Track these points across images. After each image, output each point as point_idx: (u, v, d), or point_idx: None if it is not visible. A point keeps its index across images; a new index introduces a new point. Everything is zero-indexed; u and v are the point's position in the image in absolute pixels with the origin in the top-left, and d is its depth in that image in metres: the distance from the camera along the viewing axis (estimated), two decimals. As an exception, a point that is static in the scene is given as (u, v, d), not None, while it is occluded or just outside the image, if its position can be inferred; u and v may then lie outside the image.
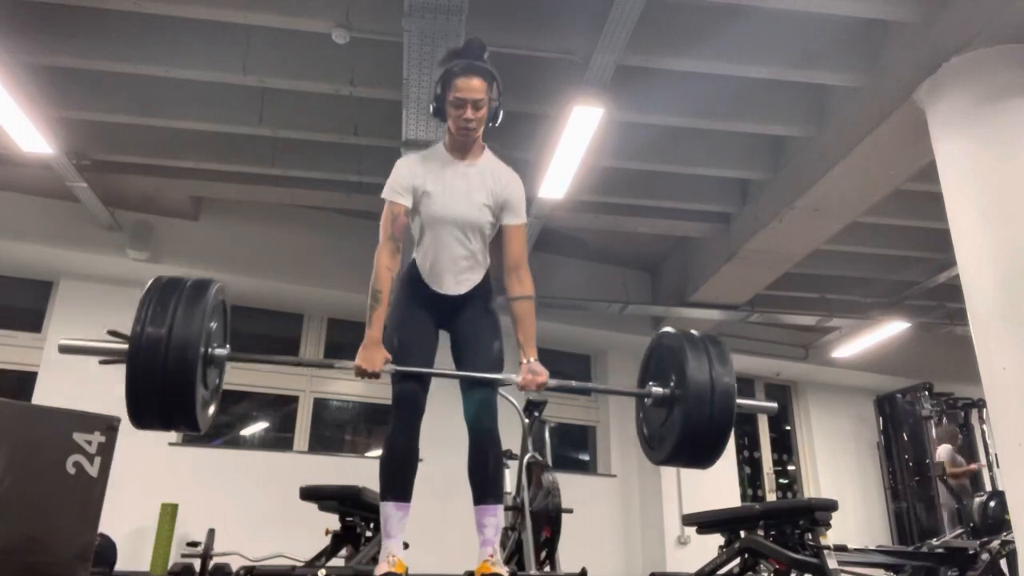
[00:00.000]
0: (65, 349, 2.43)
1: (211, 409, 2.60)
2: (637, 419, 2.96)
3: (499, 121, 2.70)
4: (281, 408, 7.74)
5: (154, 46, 4.78)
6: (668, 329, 2.88)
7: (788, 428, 10.03)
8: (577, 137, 4.95)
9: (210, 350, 2.47)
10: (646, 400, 2.81)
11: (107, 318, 7.57)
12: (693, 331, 2.80)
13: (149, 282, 2.49)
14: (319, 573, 3.16)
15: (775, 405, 3.12)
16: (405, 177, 2.71)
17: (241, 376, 7.34)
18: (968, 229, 3.97)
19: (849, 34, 4.69)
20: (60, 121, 5.36)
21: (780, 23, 4.55)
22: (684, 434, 2.58)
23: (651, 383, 2.78)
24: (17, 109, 4.80)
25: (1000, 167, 3.85)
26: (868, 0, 4.27)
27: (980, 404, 8.40)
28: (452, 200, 2.68)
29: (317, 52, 4.80)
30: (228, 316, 2.74)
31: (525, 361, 2.62)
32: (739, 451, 9.40)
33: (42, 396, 6.25)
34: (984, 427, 8.52)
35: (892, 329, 8.26)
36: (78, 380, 6.20)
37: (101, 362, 2.44)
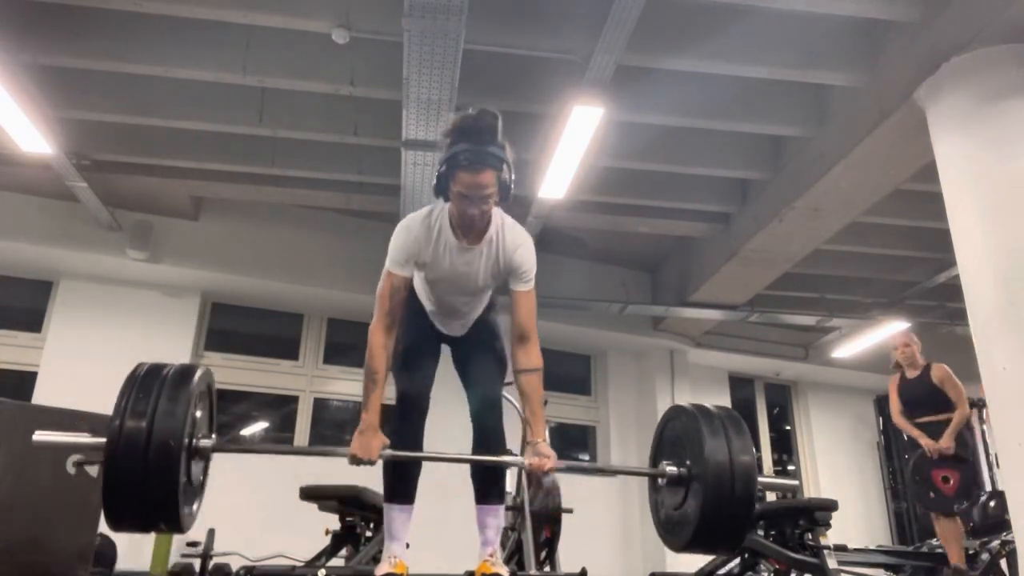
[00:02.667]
0: (40, 444, 2.26)
1: (195, 505, 2.41)
2: (651, 500, 2.74)
3: (510, 199, 2.48)
4: (281, 408, 7.74)
5: (154, 46, 4.78)
6: (681, 404, 2.68)
7: (788, 428, 10.03)
8: (577, 137, 4.95)
9: (195, 442, 2.29)
10: (659, 480, 2.61)
11: (107, 318, 7.58)
12: (708, 405, 2.61)
13: (130, 370, 2.30)
14: (319, 573, 3.16)
15: (796, 483, 3.01)
16: (408, 249, 2.51)
17: (241, 376, 7.34)
18: (968, 229, 3.97)
19: (849, 34, 4.69)
20: (60, 121, 5.35)
21: (780, 23, 4.55)
22: (703, 518, 2.37)
23: (664, 462, 2.57)
24: (17, 109, 4.79)
25: (1000, 167, 3.86)
26: (868, 0, 4.27)
27: (980, 404, 8.39)
28: (455, 283, 2.60)
29: (317, 52, 4.80)
30: (215, 402, 2.54)
31: (532, 443, 2.46)
32: (739, 451, 9.38)
33: (42, 396, 6.24)
34: (984, 427, 8.51)
35: (892, 329, 8.23)
36: (78, 380, 6.22)
37: (75, 464, 2.33)
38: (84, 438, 2.21)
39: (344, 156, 5.99)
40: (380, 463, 2.48)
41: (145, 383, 2.22)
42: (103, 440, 2.12)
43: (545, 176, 5.51)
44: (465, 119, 2.40)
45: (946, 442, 4.88)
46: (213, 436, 2.45)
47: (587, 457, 8.93)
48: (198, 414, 2.33)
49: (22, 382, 6.51)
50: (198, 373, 2.32)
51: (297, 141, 5.87)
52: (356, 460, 2.38)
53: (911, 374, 5.27)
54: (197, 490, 2.42)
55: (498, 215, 2.57)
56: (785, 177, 5.85)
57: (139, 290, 6.93)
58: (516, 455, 2.69)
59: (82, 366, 6.43)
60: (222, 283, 7.14)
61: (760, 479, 2.48)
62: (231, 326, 7.49)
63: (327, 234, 7.29)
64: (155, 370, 2.27)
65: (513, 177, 2.45)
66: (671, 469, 2.52)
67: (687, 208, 6.75)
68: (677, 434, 2.60)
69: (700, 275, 7.42)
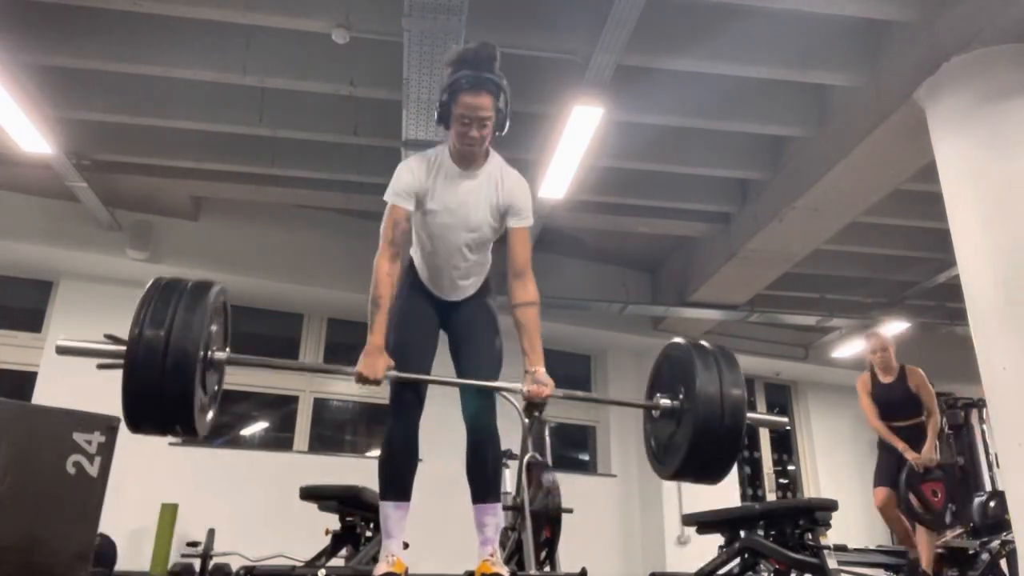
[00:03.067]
0: (63, 350, 2.39)
1: (210, 414, 2.54)
2: (645, 431, 2.87)
3: (506, 130, 2.62)
4: (281, 408, 7.74)
5: (154, 46, 4.78)
6: (677, 340, 2.79)
7: (788, 428, 10.03)
8: (577, 137, 4.95)
9: (210, 353, 2.41)
10: (653, 412, 2.73)
11: (107, 318, 7.58)
12: (703, 342, 2.72)
13: (149, 283, 2.43)
14: (319, 573, 3.15)
15: (785, 420, 3.08)
16: (408, 182, 2.63)
17: (241, 376, 7.33)
18: (968, 229, 3.97)
19: (849, 34, 4.69)
20: (60, 121, 5.36)
21: (780, 23, 4.56)
22: (693, 448, 2.49)
23: (659, 395, 2.70)
24: (17, 109, 4.80)
25: (1000, 167, 3.86)
26: (868, 0, 4.27)
27: (980, 404, 8.39)
28: (455, 213, 2.63)
29: (317, 52, 4.80)
30: (229, 319, 2.68)
31: (531, 371, 2.53)
32: (739, 451, 9.39)
33: (42, 396, 6.25)
34: (984, 427, 8.51)
35: (892, 329, 8.25)
36: (78, 380, 6.22)
37: (99, 366, 2.41)
38: (104, 346, 2.36)
39: (344, 156, 5.99)
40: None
41: (164, 296, 2.34)
42: (124, 348, 2.26)
43: (545, 176, 5.51)
44: (466, 51, 2.55)
45: (930, 453, 4.81)
46: (227, 350, 2.58)
47: (587, 457, 8.93)
48: (213, 328, 2.45)
49: (22, 382, 6.52)
50: (215, 289, 2.46)
51: (297, 141, 5.88)
52: (362, 378, 2.43)
53: (886, 378, 5.16)
54: (212, 399, 2.54)
55: (495, 155, 2.69)
56: (785, 177, 5.85)
57: (139, 290, 6.76)
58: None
59: (82, 366, 6.41)
60: (222, 283, 7.13)
61: (750, 415, 2.55)
62: (231, 326, 7.49)
63: (327, 234, 7.29)
64: (173, 284, 2.40)
65: (509, 107, 2.58)
66: (665, 402, 2.65)
67: (687, 208, 6.75)
68: (672, 368, 2.71)
69: (700, 275, 7.42)
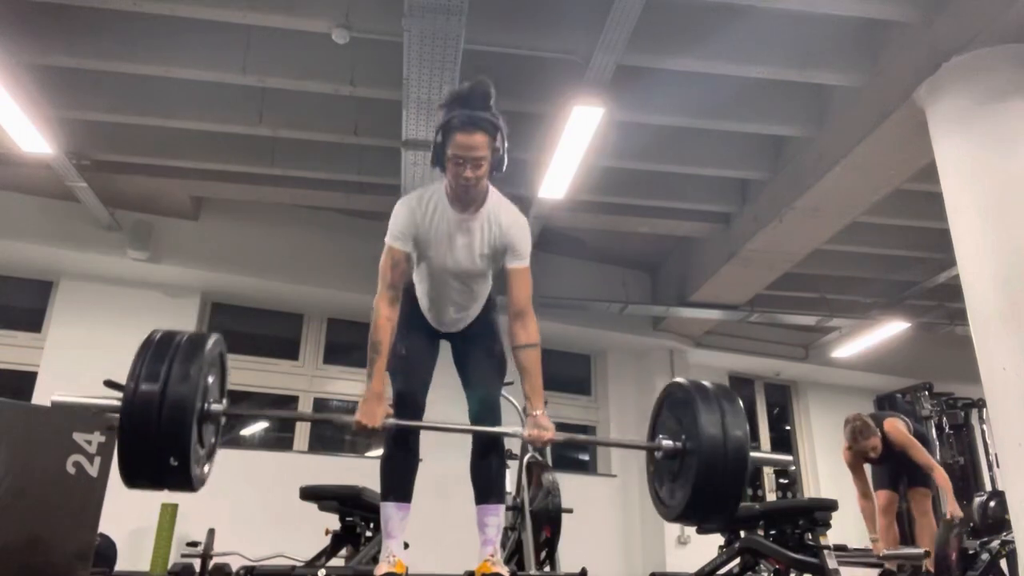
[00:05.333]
0: (57, 405, 2.37)
1: (206, 467, 2.52)
2: (647, 473, 2.83)
3: (504, 170, 2.54)
4: (281, 408, 7.74)
5: (154, 46, 4.78)
6: (679, 380, 2.76)
7: (788, 428, 10.03)
8: (577, 137, 4.95)
9: (207, 406, 2.39)
10: (656, 454, 2.68)
11: (107, 318, 7.57)
12: (705, 382, 2.69)
13: (145, 336, 2.41)
14: (319, 573, 3.16)
15: (790, 459, 3.05)
16: (406, 223, 2.57)
17: (241, 376, 7.33)
18: (968, 229, 3.97)
19: (849, 34, 4.69)
20: (60, 121, 5.35)
21: (780, 23, 4.56)
22: (697, 490, 2.45)
23: (661, 436, 2.66)
24: (17, 109, 4.79)
25: (1000, 167, 3.85)
26: (868, 0, 4.27)
27: (980, 404, 8.39)
28: (452, 256, 2.60)
29: (317, 52, 4.80)
30: (227, 369, 2.65)
31: (532, 415, 2.51)
32: (739, 451, 9.39)
33: (42, 396, 6.24)
34: (984, 427, 8.51)
35: (892, 329, 8.26)
36: (78, 380, 6.21)
37: (94, 413, 2.39)
38: (100, 400, 2.34)
39: (344, 156, 5.99)
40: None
41: (159, 349, 2.32)
42: (118, 402, 2.24)
43: (545, 176, 5.51)
44: (460, 89, 2.52)
45: (957, 511, 4.75)
46: (224, 401, 2.54)
47: (587, 457, 8.93)
48: (210, 380, 2.43)
49: (22, 382, 6.51)
50: (211, 341, 2.44)
51: (297, 141, 5.87)
52: (361, 427, 2.42)
53: (875, 455, 5.05)
54: (208, 453, 2.51)
55: (494, 193, 2.62)
56: (785, 177, 5.85)
57: (139, 290, 6.93)
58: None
59: (82, 366, 6.42)
60: (222, 283, 7.14)
61: (753, 454, 2.52)
62: (231, 326, 7.48)
63: (327, 234, 7.29)
64: (169, 336, 2.39)
65: (507, 146, 2.51)
66: (667, 443, 2.60)
67: (687, 208, 6.75)
68: (674, 409, 2.68)
69: (700, 275, 7.42)
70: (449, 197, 2.57)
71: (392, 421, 2.47)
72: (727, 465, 2.43)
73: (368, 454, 7.62)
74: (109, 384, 2.36)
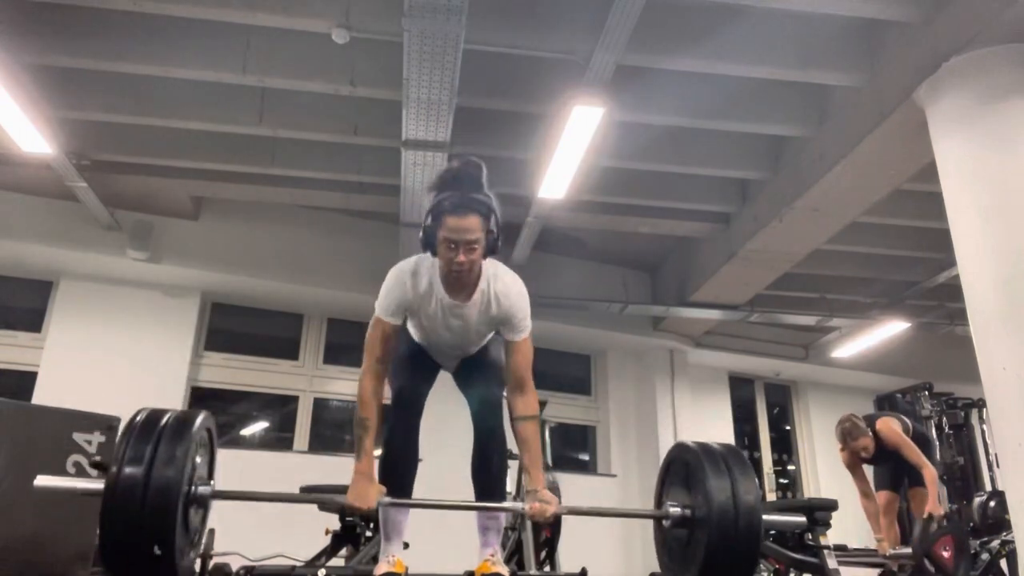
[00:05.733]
0: (41, 488, 2.26)
1: (193, 553, 2.39)
2: (655, 540, 2.72)
3: (497, 252, 2.47)
4: (281, 408, 7.74)
5: (154, 46, 4.78)
6: (685, 442, 2.64)
7: (788, 428, 10.03)
8: (577, 137, 4.95)
9: (194, 489, 2.27)
10: (664, 522, 2.58)
11: (107, 318, 7.57)
12: (712, 444, 2.59)
13: (131, 415, 2.29)
14: (319, 573, 3.15)
15: (804, 520, 2.95)
16: (399, 298, 2.49)
17: (241, 376, 7.34)
18: (968, 229, 3.97)
19: (849, 34, 4.69)
20: (60, 121, 5.35)
21: (780, 23, 4.56)
22: (709, 558, 2.34)
23: (668, 503, 2.55)
24: (17, 109, 4.79)
25: (1000, 167, 3.86)
26: (868, 0, 4.27)
27: (980, 404, 8.38)
28: (447, 334, 2.58)
29: (317, 52, 4.80)
30: (216, 447, 2.53)
31: (532, 490, 2.45)
32: (739, 451, 9.40)
33: (42, 396, 6.24)
34: (984, 427, 8.50)
35: (892, 329, 8.26)
36: (78, 380, 6.21)
37: (82, 494, 2.26)
38: (83, 483, 2.27)
39: (344, 156, 5.99)
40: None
41: (145, 429, 2.20)
42: (101, 485, 2.12)
43: (545, 176, 5.51)
44: (448, 171, 2.45)
45: (937, 508, 4.69)
46: (212, 483, 2.42)
47: (587, 457, 8.93)
48: (198, 460, 2.31)
49: (22, 382, 6.51)
50: (198, 420, 2.31)
51: (297, 141, 5.88)
52: (353, 509, 2.36)
53: (867, 455, 5.02)
54: (195, 538, 2.40)
55: (490, 265, 2.53)
56: (785, 177, 5.85)
57: (139, 290, 6.93)
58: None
59: (82, 366, 6.43)
60: (222, 283, 7.14)
61: (765, 517, 2.42)
62: (231, 326, 7.49)
63: (327, 234, 7.28)
64: (155, 416, 2.26)
65: (500, 225, 2.43)
66: (675, 510, 2.50)
67: (687, 208, 6.75)
68: (681, 473, 2.58)
69: (700, 275, 7.42)
70: (442, 279, 2.48)
71: (387, 499, 2.41)
72: (739, 533, 2.32)
73: (368, 454, 7.62)
74: (96, 466, 2.29)
